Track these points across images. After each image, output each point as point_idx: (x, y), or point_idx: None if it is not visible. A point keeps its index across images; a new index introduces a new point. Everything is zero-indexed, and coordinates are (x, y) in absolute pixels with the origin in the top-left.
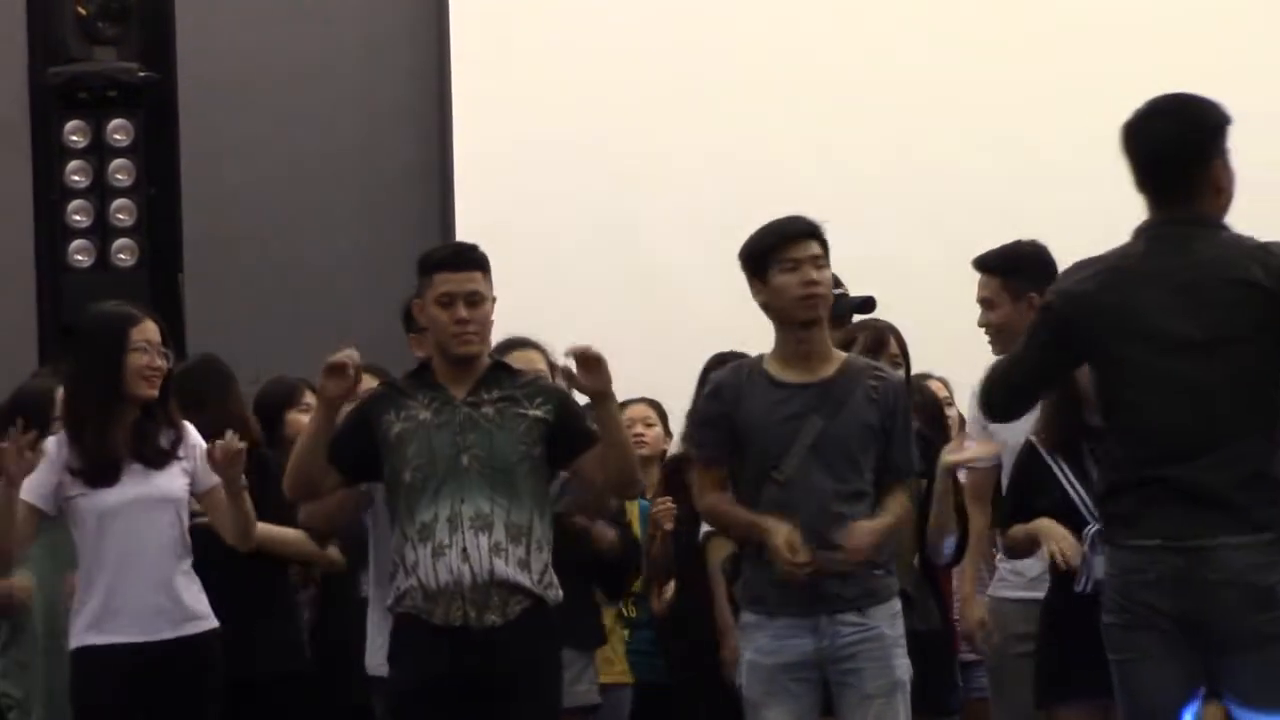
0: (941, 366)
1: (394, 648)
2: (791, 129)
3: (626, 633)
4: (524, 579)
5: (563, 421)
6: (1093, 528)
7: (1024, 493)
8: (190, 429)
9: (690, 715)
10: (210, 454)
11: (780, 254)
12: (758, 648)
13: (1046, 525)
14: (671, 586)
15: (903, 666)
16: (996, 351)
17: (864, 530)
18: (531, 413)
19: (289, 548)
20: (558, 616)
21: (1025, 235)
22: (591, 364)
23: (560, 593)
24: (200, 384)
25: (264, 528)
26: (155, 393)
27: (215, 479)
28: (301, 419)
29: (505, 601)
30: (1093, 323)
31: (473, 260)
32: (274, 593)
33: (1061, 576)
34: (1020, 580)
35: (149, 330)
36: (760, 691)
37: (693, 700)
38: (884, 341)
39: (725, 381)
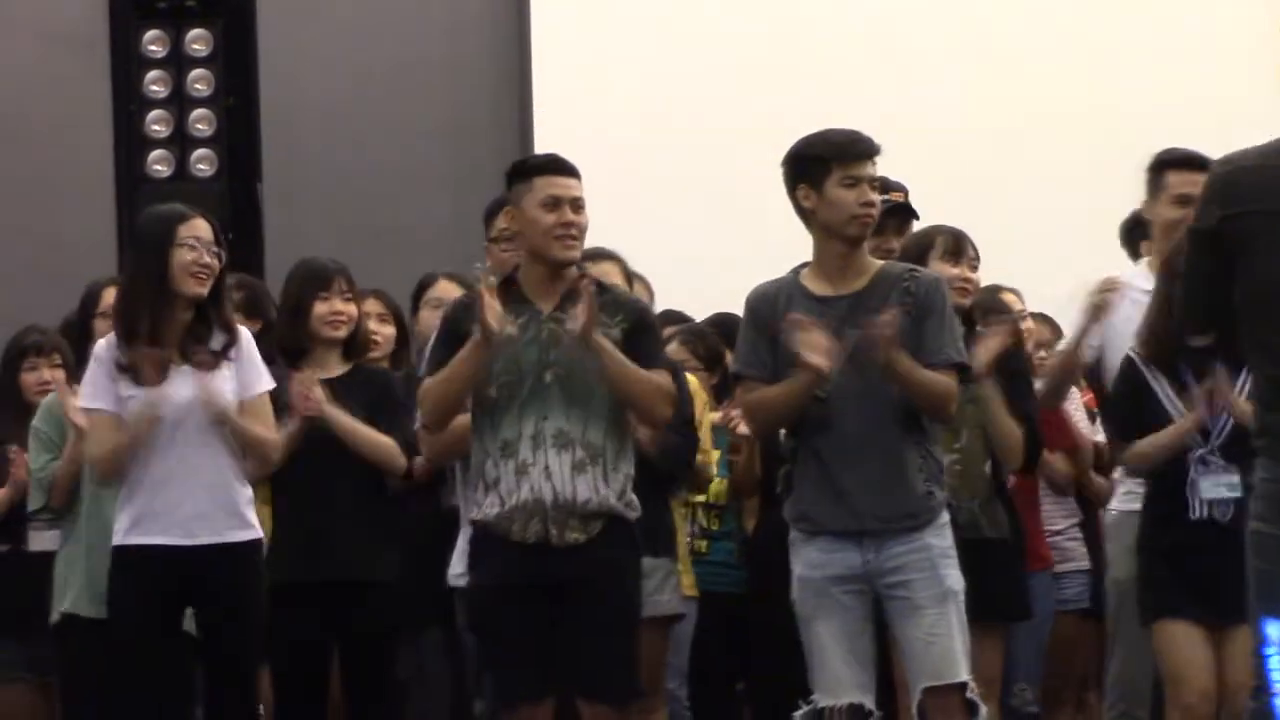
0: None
1: (474, 556)
2: (874, 51)
3: (705, 544)
4: (604, 498)
5: (628, 339)
6: (1198, 452)
7: (1130, 407)
8: (244, 332)
9: (765, 631)
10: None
11: (843, 168)
12: (806, 561)
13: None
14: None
15: (953, 576)
16: None
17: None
18: (610, 331)
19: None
20: (638, 528)
21: (1105, 151)
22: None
23: (639, 509)
24: None
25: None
26: (204, 290)
27: (255, 390)
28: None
29: (586, 520)
30: (1245, 194)
31: (573, 168)
32: (375, 499)
33: (1168, 501)
34: (1143, 494)
35: (198, 227)
36: (811, 605)
37: (768, 617)
38: (963, 245)
39: (764, 298)
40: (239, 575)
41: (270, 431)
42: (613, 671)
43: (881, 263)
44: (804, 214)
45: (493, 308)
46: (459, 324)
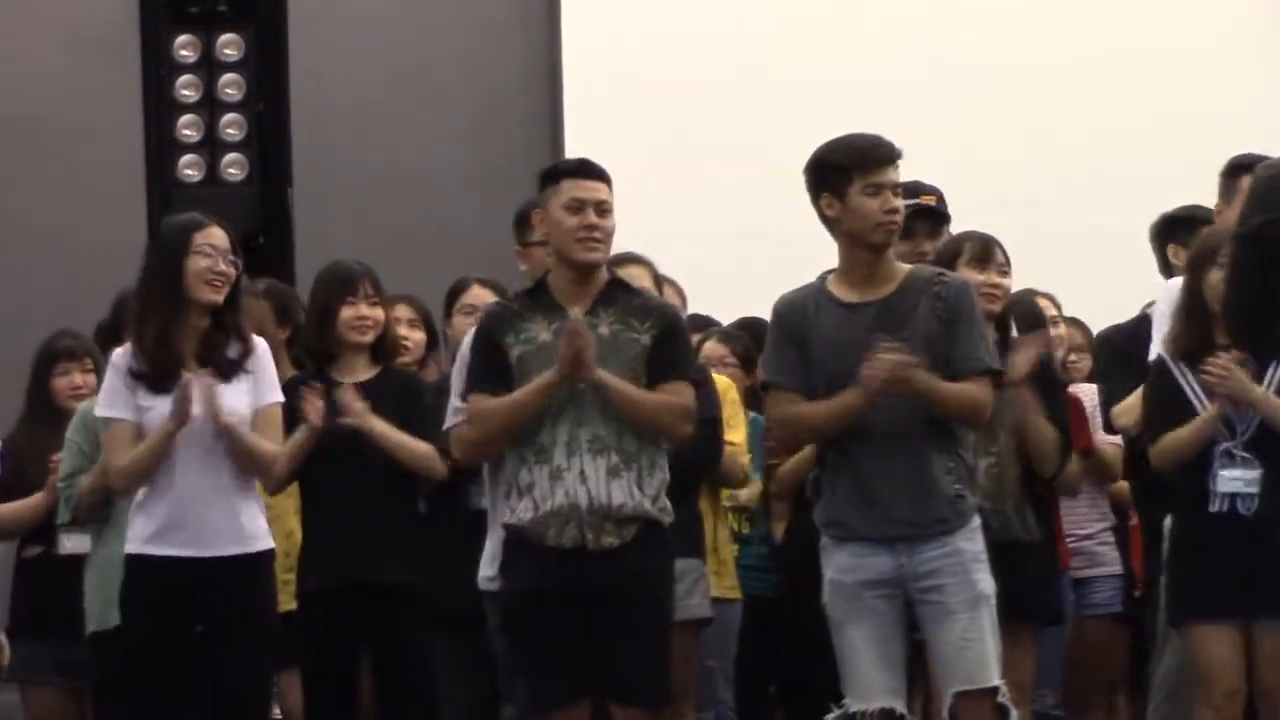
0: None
1: (506, 561)
2: (907, 56)
3: (737, 548)
4: (639, 503)
5: (656, 346)
6: (1224, 445)
7: (1162, 406)
8: (261, 343)
9: (795, 633)
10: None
11: (865, 176)
12: (838, 566)
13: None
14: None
15: (985, 581)
16: None
17: (890, 356)
18: (640, 337)
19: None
20: (671, 533)
21: (1145, 156)
22: (573, 346)
23: (673, 514)
24: None
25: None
26: (219, 298)
27: (265, 401)
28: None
29: (620, 525)
30: None
31: (601, 172)
32: (402, 503)
33: (1192, 497)
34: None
35: (214, 236)
36: (843, 610)
37: (799, 618)
38: (991, 251)
39: (791, 306)
40: (251, 586)
41: (275, 445)
42: (645, 675)
43: (910, 267)
44: (828, 222)
45: (589, 347)
46: (493, 333)
